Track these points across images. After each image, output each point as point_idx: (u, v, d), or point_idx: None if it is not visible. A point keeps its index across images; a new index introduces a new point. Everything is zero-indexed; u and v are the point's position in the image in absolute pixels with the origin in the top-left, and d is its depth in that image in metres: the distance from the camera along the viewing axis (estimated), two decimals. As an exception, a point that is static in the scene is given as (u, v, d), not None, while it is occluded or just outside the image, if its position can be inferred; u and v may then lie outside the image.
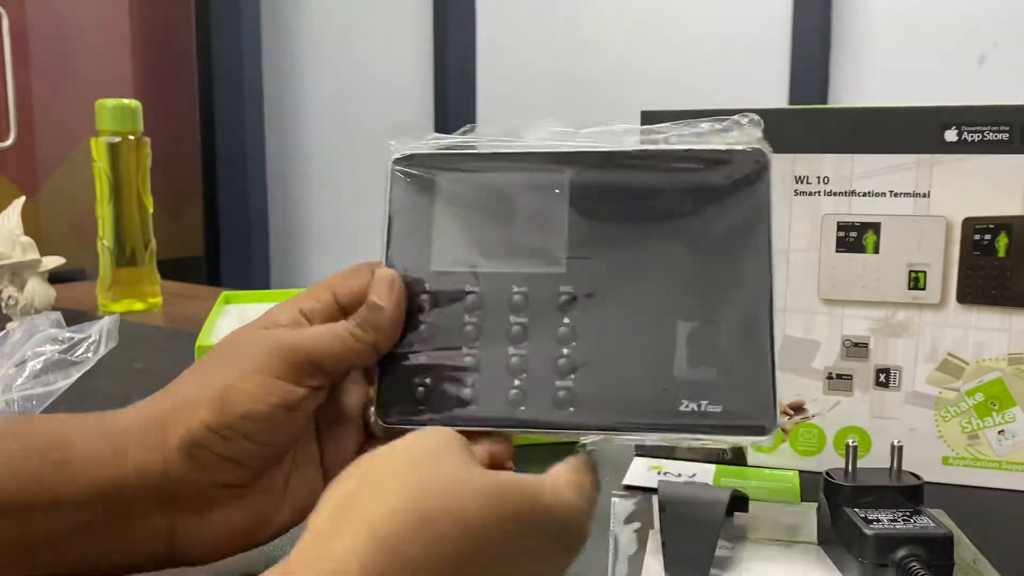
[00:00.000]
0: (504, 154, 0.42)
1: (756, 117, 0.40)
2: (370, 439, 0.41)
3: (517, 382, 0.39)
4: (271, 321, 0.39)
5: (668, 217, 0.40)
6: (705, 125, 0.40)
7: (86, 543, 0.35)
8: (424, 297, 0.41)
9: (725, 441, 0.39)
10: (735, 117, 0.41)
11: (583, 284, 0.40)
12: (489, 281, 0.40)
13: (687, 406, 0.38)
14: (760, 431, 0.37)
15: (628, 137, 0.41)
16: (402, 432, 0.34)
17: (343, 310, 0.40)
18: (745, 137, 0.40)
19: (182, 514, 0.36)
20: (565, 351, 0.39)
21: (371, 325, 0.39)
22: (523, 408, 0.39)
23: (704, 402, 0.37)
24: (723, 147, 0.40)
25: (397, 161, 0.43)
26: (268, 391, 0.36)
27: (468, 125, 0.43)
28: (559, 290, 0.40)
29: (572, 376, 0.39)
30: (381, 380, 0.40)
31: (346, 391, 0.41)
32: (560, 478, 0.34)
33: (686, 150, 0.40)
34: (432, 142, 0.43)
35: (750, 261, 0.39)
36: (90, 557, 0.36)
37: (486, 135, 0.43)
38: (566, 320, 0.39)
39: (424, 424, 0.39)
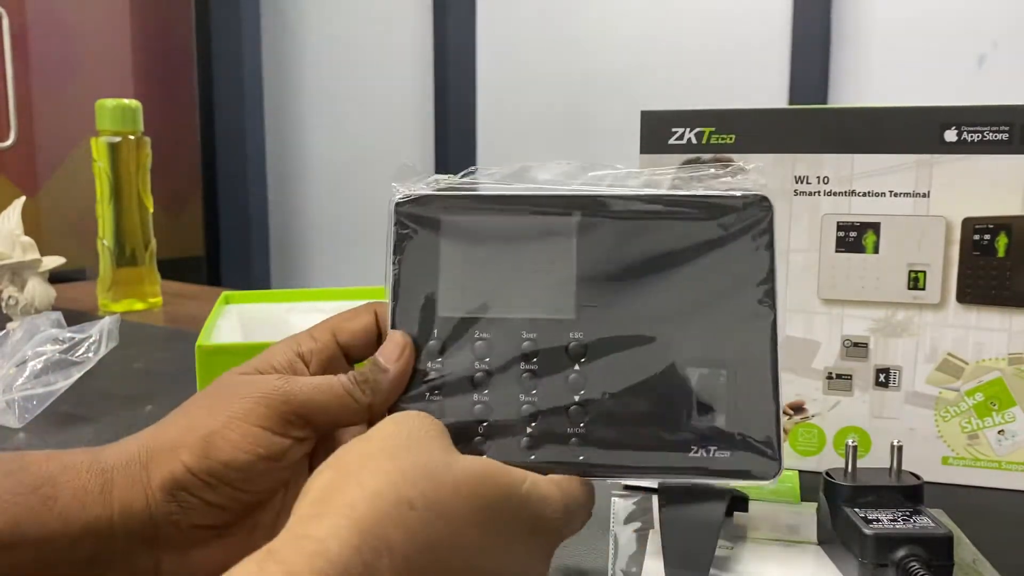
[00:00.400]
0: (509, 196, 0.42)
1: (760, 165, 0.42)
2: None
3: (529, 429, 0.39)
4: (266, 364, 0.38)
5: (674, 263, 0.41)
6: (711, 170, 0.42)
7: None
8: (432, 343, 0.40)
9: (733, 484, 0.41)
10: (739, 163, 0.42)
11: (592, 331, 0.40)
12: (498, 328, 0.40)
13: (696, 451, 0.39)
14: (765, 475, 0.39)
15: (632, 180, 0.42)
16: None
17: (343, 351, 0.40)
18: (749, 183, 0.41)
19: (166, 552, 0.36)
20: (576, 398, 0.39)
21: (371, 387, 0.38)
22: (534, 455, 0.39)
23: (713, 448, 0.39)
24: (728, 193, 0.41)
25: (400, 204, 0.42)
26: (252, 441, 0.35)
27: (471, 167, 0.43)
28: (569, 337, 0.40)
29: (583, 423, 0.39)
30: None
31: (346, 432, 0.40)
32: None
33: (692, 196, 0.41)
34: (435, 184, 0.42)
35: (754, 308, 0.40)
36: None
37: (491, 175, 0.42)
38: (576, 367, 0.40)
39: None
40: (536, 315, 0.40)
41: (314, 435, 0.37)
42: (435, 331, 0.40)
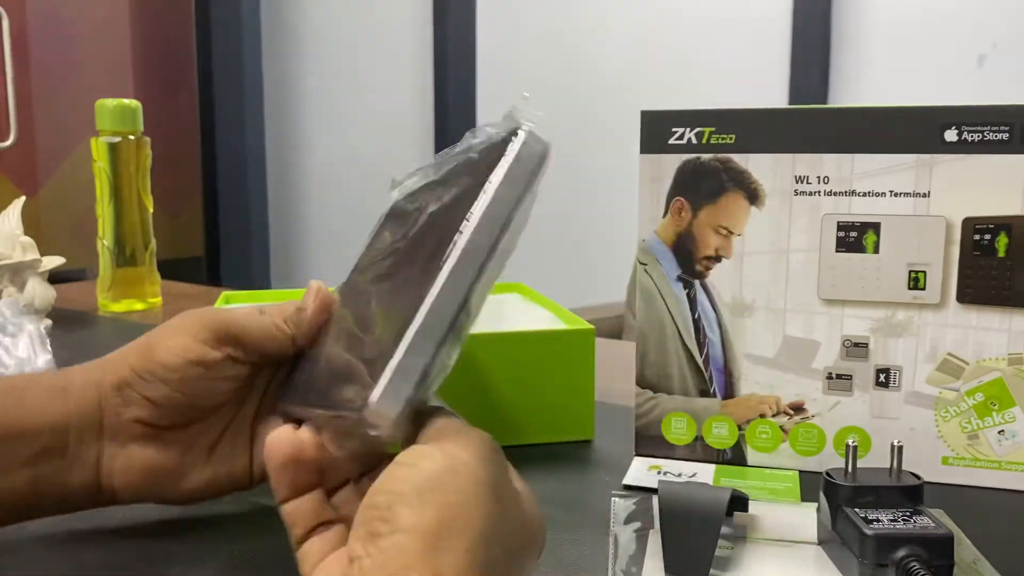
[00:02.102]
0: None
1: (527, 94, 0.40)
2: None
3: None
4: (219, 307, 0.47)
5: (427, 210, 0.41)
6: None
7: (32, 470, 0.41)
8: (342, 309, 0.44)
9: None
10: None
11: (361, 293, 0.42)
12: (345, 292, 0.45)
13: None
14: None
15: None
16: (289, 417, 0.41)
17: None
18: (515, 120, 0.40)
19: (108, 442, 0.43)
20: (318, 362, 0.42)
21: (293, 320, 0.44)
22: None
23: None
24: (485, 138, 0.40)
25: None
26: (186, 348, 0.42)
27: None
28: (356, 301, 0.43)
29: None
30: (289, 371, 0.45)
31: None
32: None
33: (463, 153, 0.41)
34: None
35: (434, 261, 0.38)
36: (34, 484, 0.42)
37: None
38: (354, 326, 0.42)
39: (292, 409, 0.42)
40: (351, 279, 0.44)
41: (244, 357, 0.43)
42: (343, 297, 0.45)
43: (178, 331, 0.43)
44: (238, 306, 0.44)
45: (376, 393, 0.35)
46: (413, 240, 0.41)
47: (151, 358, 0.42)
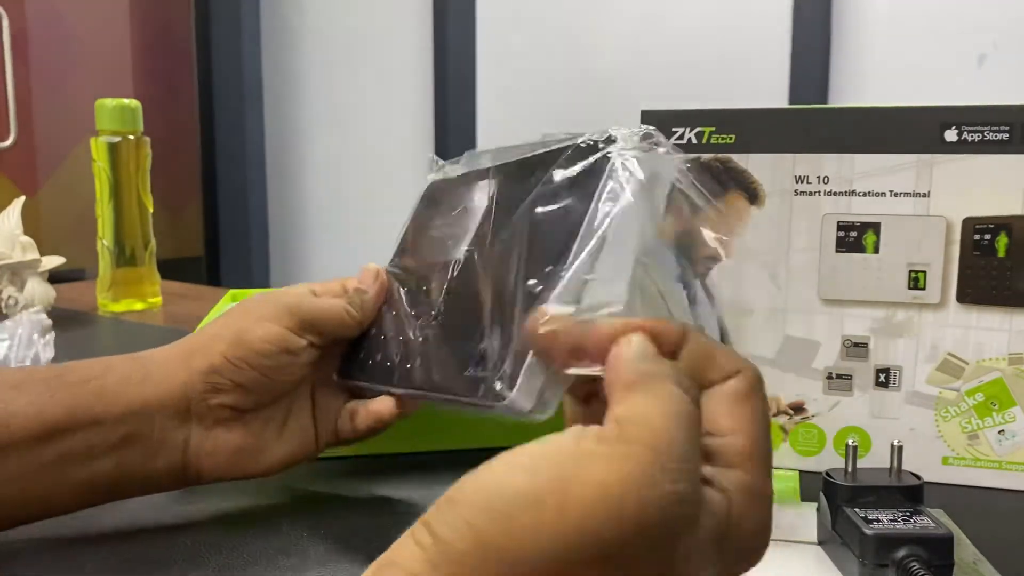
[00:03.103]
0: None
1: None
2: (351, 400, 0.48)
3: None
4: (284, 291, 0.48)
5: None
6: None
7: (117, 456, 0.43)
8: (396, 288, 0.48)
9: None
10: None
11: (463, 273, 0.43)
12: (408, 275, 0.47)
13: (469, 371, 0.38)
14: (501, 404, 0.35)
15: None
16: (352, 386, 0.47)
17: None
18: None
19: (196, 427, 0.45)
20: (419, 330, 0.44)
21: (357, 306, 0.47)
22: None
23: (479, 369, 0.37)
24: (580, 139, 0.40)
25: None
26: (277, 336, 0.45)
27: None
28: (445, 279, 0.44)
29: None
30: (346, 348, 0.48)
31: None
32: None
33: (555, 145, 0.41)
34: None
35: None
36: (120, 469, 0.43)
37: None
38: (441, 304, 0.43)
39: (362, 384, 0.47)
40: (434, 261, 0.46)
41: (320, 341, 0.46)
42: (397, 279, 0.48)
43: (264, 319, 0.45)
44: (290, 289, 0.48)
45: (514, 388, 0.34)
46: (520, 231, 0.39)
47: (244, 345, 0.44)
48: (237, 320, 0.45)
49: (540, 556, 0.25)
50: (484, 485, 0.26)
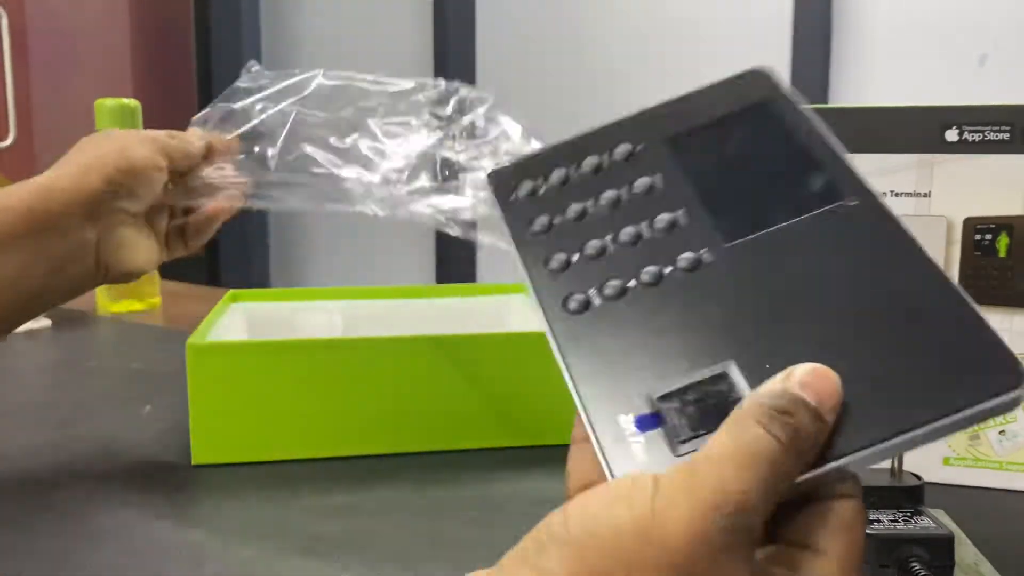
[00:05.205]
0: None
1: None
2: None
3: None
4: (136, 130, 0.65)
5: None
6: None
7: (22, 252, 0.52)
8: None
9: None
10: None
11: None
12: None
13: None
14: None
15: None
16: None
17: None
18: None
19: (101, 225, 0.55)
20: None
21: (183, 150, 0.62)
22: None
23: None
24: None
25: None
26: (152, 150, 0.57)
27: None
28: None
29: None
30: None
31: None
32: None
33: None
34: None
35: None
36: (31, 266, 0.52)
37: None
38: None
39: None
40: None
41: (173, 168, 0.59)
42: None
43: (142, 139, 0.58)
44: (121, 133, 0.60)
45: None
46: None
47: (128, 157, 0.55)
48: (113, 141, 0.57)
49: None
50: (590, 516, 0.25)
